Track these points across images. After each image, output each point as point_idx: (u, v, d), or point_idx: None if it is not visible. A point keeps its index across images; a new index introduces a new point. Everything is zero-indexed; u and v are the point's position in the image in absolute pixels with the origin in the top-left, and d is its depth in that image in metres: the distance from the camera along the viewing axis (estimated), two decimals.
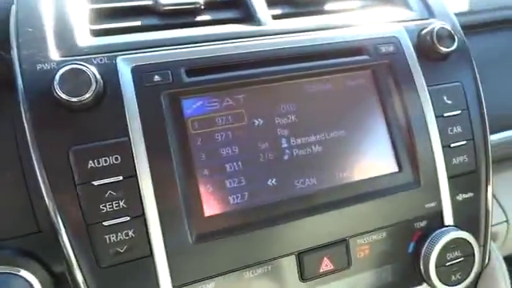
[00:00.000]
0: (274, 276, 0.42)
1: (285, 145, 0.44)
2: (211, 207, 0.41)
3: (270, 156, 0.44)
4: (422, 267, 0.47)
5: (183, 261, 0.39)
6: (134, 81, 0.40)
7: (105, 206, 0.37)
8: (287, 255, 0.42)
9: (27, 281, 0.39)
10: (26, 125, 0.37)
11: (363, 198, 0.45)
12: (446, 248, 0.47)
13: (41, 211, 0.39)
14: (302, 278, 0.43)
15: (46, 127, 0.37)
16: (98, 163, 0.37)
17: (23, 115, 0.38)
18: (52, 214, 0.37)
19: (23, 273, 0.39)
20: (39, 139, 0.37)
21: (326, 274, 0.44)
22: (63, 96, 0.36)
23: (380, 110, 0.48)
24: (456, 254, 0.47)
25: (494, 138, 0.60)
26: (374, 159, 0.47)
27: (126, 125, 0.39)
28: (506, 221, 0.62)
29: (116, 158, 0.38)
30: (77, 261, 0.37)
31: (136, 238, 0.38)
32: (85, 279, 0.37)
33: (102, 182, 0.37)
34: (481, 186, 0.50)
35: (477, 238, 0.49)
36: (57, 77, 0.37)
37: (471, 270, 0.48)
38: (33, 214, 0.40)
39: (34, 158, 0.37)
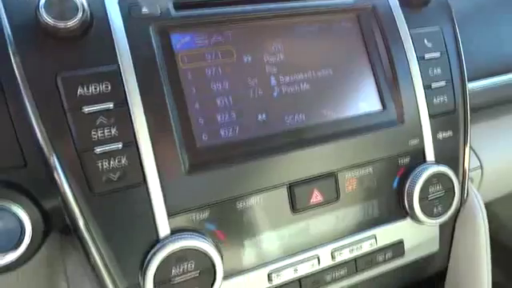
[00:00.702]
0: (266, 206, 0.43)
1: (274, 82, 0.45)
2: (203, 139, 0.41)
3: (260, 92, 0.44)
4: (406, 201, 0.49)
5: (177, 189, 0.39)
6: (121, 12, 0.40)
7: (96, 133, 0.37)
8: (278, 186, 0.43)
9: (17, 216, 0.38)
10: (10, 52, 0.36)
11: (350, 134, 0.46)
12: (429, 182, 0.49)
13: (26, 144, 0.38)
14: (293, 209, 0.44)
15: (33, 53, 0.36)
16: (88, 90, 0.37)
17: (7, 42, 0.36)
18: (41, 141, 0.36)
19: (13, 207, 0.38)
20: (26, 66, 0.36)
21: (316, 205, 0.45)
22: (49, 21, 0.35)
23: (365, 52, 0.50)
24: (437, 187, 0.50)
25: (495, 80, 0.63)
26: (360, 98, 0.48)
27: (116, 54, 0.38)
28: (480, 167, 0.65)
29: (106, 86, 0.37)
30: (70, 188, 0.36)
31: (129, 166, 0.37)
32: (79, 207, 0.36)
33: (93, 108, 0.37)
34: (459, 126, 0.53)
35: (456, 174, 0.51)
36: (42, 1, 0.36)
37: (452, 204, 0.51)
38: (18, 147, 0.38)
39: (21, 86, 0.36)
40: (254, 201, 0.42)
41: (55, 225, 0.41)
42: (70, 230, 0.40)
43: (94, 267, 0.38)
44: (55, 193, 0.38)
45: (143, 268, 0.38)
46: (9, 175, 0.39)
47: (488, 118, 0.68)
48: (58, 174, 0.36)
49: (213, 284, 0.40)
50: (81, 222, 0.37)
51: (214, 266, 0.39)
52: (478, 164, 0.65)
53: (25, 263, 0.40)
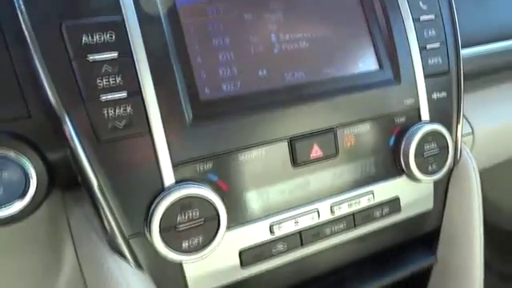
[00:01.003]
0: (268, 160, 0.44)
1: (274, 39, 0.46)
2: (205, 92, 0.42)
3: (261, 48, 0.45)
4: (402, 158, 0.51)
5: (181, 140, 0.40)
6: None
7: (101, 81, 0.37)
8: (280, 140, 0.44)
9: (21, 167, 0.39)
10: (15, 0, 0.36)
11: (348, 91, 0.47)
12: (424, 140, 0.50)
13: (30, 95, 0.38)
14: (294, 163, 0.45)
15: (37, 3, 0.36)
16: (92, 39, 0.37)
17: None
18: (48, 90, 0.36)
19: (18, 158, 0.38)
20: (30, 16, 0.36)
21: (315, 160, 0.46)
22: None
23: (362, 13, 0.51)
24: (432, 145, 0.51)
25: (496, 46, 0.65)
26: (357, 57, 0.49)
27: (119, 5, 0.39)
28: (472, 133, 0.67)
29: (110, 36, 0.38)
30: (77, 136, 0.37)
31: (134, 115, 0.38)
32: (86, 155, 0.37)
33: (97, 57, 0.37)
34: (452, 87, 0.54)
35: (450, 133, 0.53)
36: None
37: (446, 161, 0.52)
38: (22, 99, 0.39)
39: (26, 36, 0.36)
40: (255, 153, 0.43)
41: (59, 178, 0.42)
42: (73, 184, 0.41)
43: (100, 216, 0.39)
44: (59, 144, 0.39)
45: (149, 215, 0.39)
46: (13, 126, 0.39)
47: (481, 87, 0.70)
48: (65, 121, 0.36)
49: (217, 232, 0.40)
50: (88, 170, 0.37)
51: (218, 214, 0.40)
52: (470, 130, 0.67)
53: (29, 215, 0.40)
